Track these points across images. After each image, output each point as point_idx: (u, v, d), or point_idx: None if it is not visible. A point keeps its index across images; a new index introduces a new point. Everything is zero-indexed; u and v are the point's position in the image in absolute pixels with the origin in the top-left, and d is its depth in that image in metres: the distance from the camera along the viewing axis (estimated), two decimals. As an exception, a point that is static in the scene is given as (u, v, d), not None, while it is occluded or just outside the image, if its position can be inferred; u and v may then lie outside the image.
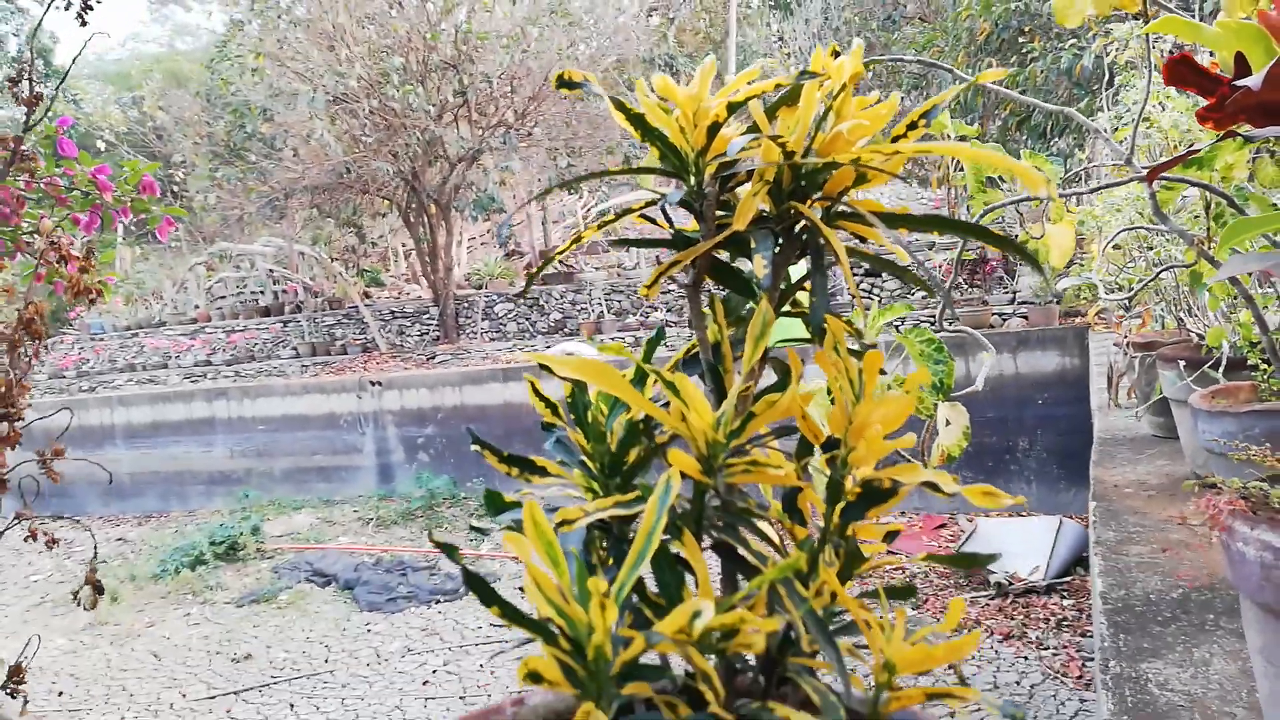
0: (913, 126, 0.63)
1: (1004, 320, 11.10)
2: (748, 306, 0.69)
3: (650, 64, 15.76)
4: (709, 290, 0.67)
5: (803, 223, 0.63)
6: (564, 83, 0.64)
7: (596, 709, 0.46)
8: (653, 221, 0.69)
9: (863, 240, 0.66)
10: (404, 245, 20.12)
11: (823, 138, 0.62)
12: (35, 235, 2.07)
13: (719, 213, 0.65)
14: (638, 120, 0.64)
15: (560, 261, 17.68)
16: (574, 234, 0.72)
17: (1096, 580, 2.58)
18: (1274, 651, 1.16)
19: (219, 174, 14.42)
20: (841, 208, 0.64)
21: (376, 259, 20.93)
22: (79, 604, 1.39)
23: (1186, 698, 1.76)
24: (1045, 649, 5.92)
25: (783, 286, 0.64)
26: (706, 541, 0.62)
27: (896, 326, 1.99)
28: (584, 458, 0.66)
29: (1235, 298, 2.63)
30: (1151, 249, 3.56)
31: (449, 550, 0.52)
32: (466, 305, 15.73)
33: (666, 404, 0.59)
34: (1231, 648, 1.96)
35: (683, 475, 0.57)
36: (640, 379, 0.65)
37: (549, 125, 15.02)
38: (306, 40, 13.05)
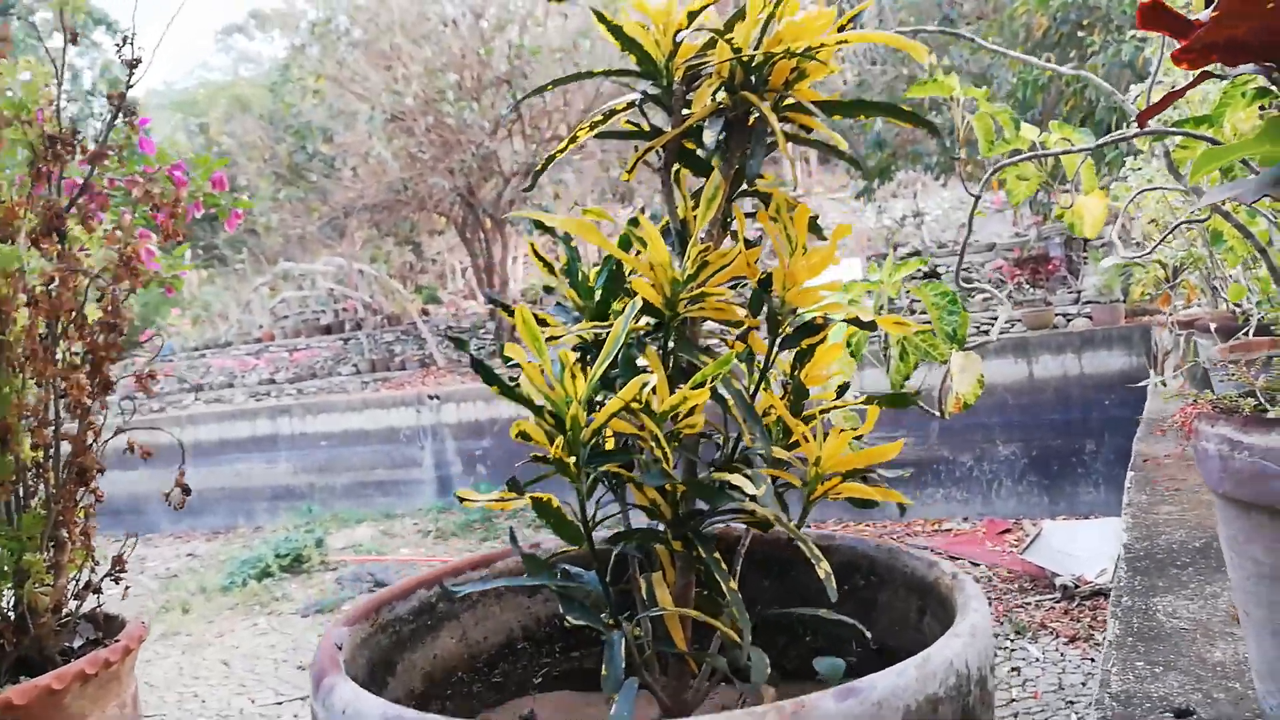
0: (841, 29, 0.76)
1: (1068, 320, 10.72)
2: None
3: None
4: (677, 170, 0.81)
5: (756, 115, 0.77)
6: (549, -2, 0.78)
7: (568, 453, 0.60)
8: (635, 126, 0.83)
9: (808, 130, 0.79)
10: (460, 263, 20.47)
11: (768, 41, 0.75)
12: (119, 230, 2.25)
13: (688, 112, 0.79)
14: (617, 31, 0.77)
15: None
16: (570, 134, 0.86)
17: (1123, 535, 2.65)
18: (1235, 540, 1.26)
19: (281, 195, 14.83)
20: (789, 101, 0.77)
21: (434, 276, 21.30)
22: (169, 504, 1.56)
23: (1191, 622, 1.85)
24: (1113, 652, 5.84)
25: (736, 167, 0.77)
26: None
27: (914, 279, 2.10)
28: (576, 313, 0.80)
29: (1254, 255, 2.67)
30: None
31: (461, 344, 0.66)
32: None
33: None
34: (1245, 585, 2.03)
35: (650, 310, 0.70)
36: (626, 246, 0.79)
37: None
38: (364, 61, 13.42)
